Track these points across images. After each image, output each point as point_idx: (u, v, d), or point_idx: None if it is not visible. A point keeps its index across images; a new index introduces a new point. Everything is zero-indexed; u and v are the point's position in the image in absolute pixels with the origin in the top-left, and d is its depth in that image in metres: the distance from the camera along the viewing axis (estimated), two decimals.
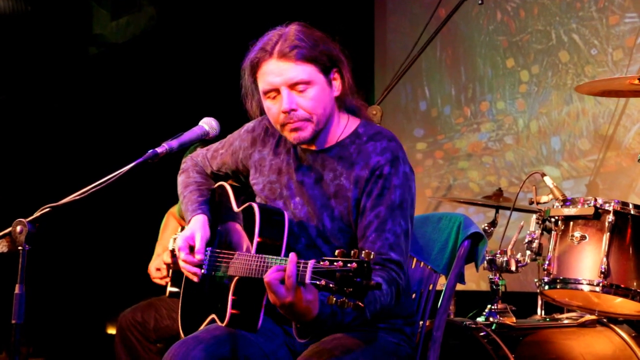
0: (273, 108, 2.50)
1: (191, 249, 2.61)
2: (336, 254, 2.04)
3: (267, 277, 2.15)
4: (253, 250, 2.42)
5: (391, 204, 2.44)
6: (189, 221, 2.70)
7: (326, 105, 2.49)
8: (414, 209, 2.52)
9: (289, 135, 2.51)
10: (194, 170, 2.85)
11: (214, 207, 2.77)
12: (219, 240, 2.68)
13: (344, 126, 2.58)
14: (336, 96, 2.53)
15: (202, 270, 2.63)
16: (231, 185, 2.76)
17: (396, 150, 2.50)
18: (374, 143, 2.52)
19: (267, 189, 2.64)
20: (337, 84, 2.53)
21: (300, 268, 2.10)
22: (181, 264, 2.62)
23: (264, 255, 2.33)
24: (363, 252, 2.01)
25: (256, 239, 2.43)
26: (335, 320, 2.25)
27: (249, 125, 2.76)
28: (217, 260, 2.61)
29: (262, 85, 2.51)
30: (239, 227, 2.59)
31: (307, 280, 2.06)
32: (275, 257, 2.29)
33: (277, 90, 2.47)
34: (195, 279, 2.60)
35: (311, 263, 2.06)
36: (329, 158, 2.55)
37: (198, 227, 2.65)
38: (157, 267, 4.19)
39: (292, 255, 2.13)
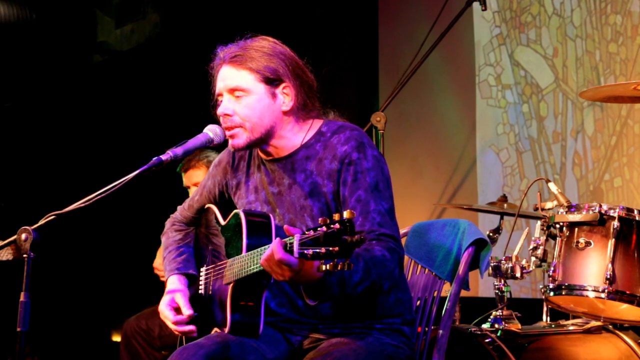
0: (218, 112, 2.58)
1: (177, 310, 2.67)
2: (320, 221, 2.07)
3: (262, 262, 2.22)
4: (243, 252, 2.47)
5: (368, 187, 2.47)
6: (166, 284, 2.78)
7: (263, 115, 2.54)
8: (391, 190, 2.54)
9: (229, 142, 2.59)
10: (173, 230, 2.92)
11: (204, 232, 2.82)
12: (212, 258, 2.72)
13: (307, 130, 2.61)
14: (285, 110, 2.56)
15: (200, 292, 2.70)
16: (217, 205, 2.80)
17: (360, 137, 2.54)
18: (337, 136, 2.56)
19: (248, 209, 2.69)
20: (286, 99, 2.56)
21: (287, 244, 2.14)
22: (173, 327, 2.67)
23: (253, 251, 2.39)
24: (345, 212, 2.04)
25: (245, 241, 2.47)
26: (343, 280, 2.27)
27: (214, 161, 2.83)
28: (214, 276, 2.66)
29: (215, 90, 2.61)
30: (229, 238, 2.63)
31: (295, 254, 2.09)
32: (264, 247, 2.33)
33: (222, 95, 2.58)
34: (193, 334, 2.65)
35: (297, 236, 2.09)
36: (298, 160, 2.59)
37: (174, 288, 2.74)
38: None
39: (277, 239, 2.18)
